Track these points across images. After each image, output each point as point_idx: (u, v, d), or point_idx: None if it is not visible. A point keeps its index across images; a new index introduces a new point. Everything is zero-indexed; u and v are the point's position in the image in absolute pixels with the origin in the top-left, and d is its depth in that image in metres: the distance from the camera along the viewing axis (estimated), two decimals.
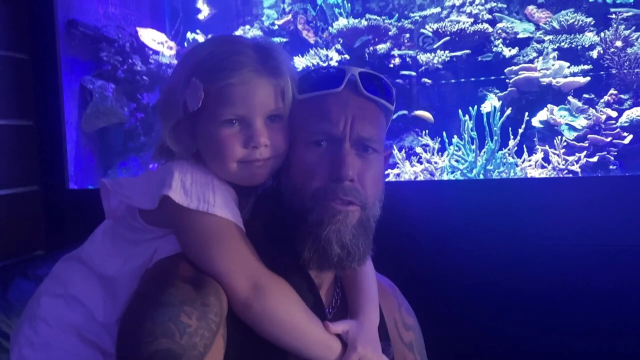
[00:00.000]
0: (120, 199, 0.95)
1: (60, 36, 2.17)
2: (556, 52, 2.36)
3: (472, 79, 2.51)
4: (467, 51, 2.51)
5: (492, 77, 2.47)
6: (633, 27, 2.28)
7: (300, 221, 0.89)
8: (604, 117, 2.08)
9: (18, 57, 2.10)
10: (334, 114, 0.90)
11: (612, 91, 2.17)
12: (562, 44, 2.40)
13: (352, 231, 0.89)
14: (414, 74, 2.53)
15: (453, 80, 2.55)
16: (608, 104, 2.16)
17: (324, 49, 2.70)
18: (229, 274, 0.84)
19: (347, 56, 2.62)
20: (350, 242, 0.88)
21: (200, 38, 2.79)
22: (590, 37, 2.39)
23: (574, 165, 2.00)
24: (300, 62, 2.61)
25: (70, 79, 2.26)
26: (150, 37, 2.55)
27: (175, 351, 0.75)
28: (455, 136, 2.14)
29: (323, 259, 0.88)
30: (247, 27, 2.94)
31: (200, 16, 2.97)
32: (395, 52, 2.57)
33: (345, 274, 1.02)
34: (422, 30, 2.62)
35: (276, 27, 2.88)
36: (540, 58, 2.33)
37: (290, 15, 2.85)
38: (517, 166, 2.04)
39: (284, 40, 2.79)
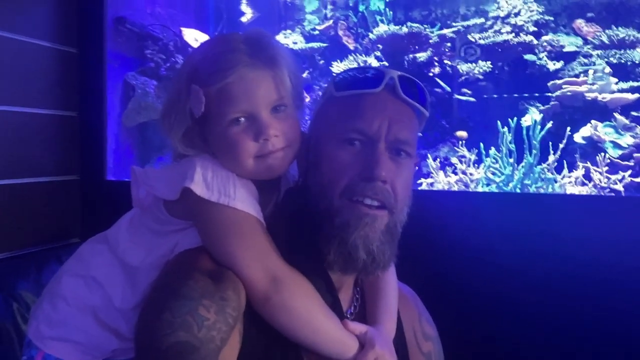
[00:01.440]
0: (146, 189, 0.96)
1: (108, 32, 2.24)
2: (605, 66, 2.27)
3: (515, 95, 2.45)
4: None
5: (537, 94, 2.40)
6: None
7: (326, 222, 0.87)
8: None
9: (66, 50, 2.18)
10: (370, 113, 0.88)
11: None
12: (611, 59, 2.32)
13: (380, 237, 0.87)
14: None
15: (495, 95, 2.49)
16: None
17: (363, 55, 2.69)
18: (247, 267, 0.83)
19: (386, 63, 2.61)
20: (377, 248, 0.86)
21: None
22: None
23: (617, 184, 1.92)
24: (339, 68, 2.61)
25: (115, 74, 2.33)
26: (193, 37, 2.60)
27: (192, 344, 0.76)
28: (492, 148, 2.08)
29: (348, 263, 0.87)
30: (289, 31, 2.97)
31: (244, 19, 3.02)
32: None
33: (367, 280, 1.01)
34: (472, 44, 2.57)
35: (317, 32, 2.89)
36: (591, 72, 2.25)
37: (331, 21, 2.86)
38: (556, 182, 1.97)
39: (324, 45, 2.81)
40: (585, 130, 2.10)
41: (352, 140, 0.88)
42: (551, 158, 1.99)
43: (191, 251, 0.89)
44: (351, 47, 2.79)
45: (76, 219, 2.25)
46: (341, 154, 0.88)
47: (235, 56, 0.88)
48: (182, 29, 2.62)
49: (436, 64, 2.57)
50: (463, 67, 2.53)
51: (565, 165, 1.99)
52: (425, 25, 2.63)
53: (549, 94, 2.29)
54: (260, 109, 0.88)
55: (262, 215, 0.90)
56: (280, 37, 2.92)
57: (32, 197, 2.05)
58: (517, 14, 2.59)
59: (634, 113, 2.14)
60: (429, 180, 2.16)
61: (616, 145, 2.01)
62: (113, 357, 0.99)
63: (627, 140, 2.01)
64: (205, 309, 0.78)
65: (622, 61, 2.30)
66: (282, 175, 0.99)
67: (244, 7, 3.02)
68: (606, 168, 1.94)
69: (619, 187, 1.90)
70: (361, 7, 2.83)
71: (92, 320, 0.96)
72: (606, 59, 2.34)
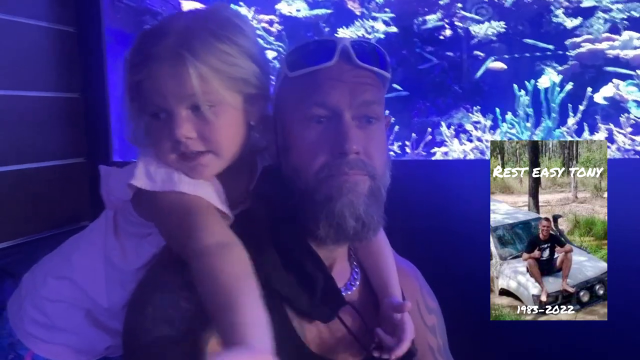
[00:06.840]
0: (105, 189, 0.91)
1: (104, 8, 2.17)
2: (626, 22, 2.16)
3: (537, 53, 2.34)
4: None
5: (556, 52, 2.29)
6: None
7: (308, 200, 0.84)
8: None
9: (64, 30, 2.11)
10: (330, 87, 0.85)
11: None
12: (633, 12, 2.20)
13: (365, 201, 0.84)
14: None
15: (506, 56, 2.39)
16: None
17: (370, 20, 2.59)
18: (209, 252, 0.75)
19: (394, 28, 2.51)
20: (365, 212, 0.84)
21: (243, 10, 2.74)
22: None
23: None
24: (345, 34, 2.52)
25: (115, 51, 2.26)
26: (193, 9, 2.52)
27: (175, 338, 0.75)
28: (509, 113, 2.01)
29: (339, 234, 0.84)
30: None
31: None
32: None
33: (361, 253, 1.00)
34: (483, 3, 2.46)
35: None
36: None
37: None
38: None
39: (329, 11, 2.70)
40: (607, 90, 2.01)
41: (317, 118, 0.85)
42: (571, 121, 1.91)
43: None
44: (357, 12, 2.68)
45: (85, 202, 2.23)
46: (308, 133, 0.85)
47: (152, 50, 0.80)
48: (181, 1, 2.54)
49: (447, 26, 2.46)
50: (475, 29, 2.42)
51: (586, 128, 1.91)
52: None
53: (568, 53, 2.19)
54: (173, 105, 0.80)
55: (217, 199, 0.82)
56: (282, 5, 2.82)
57: (40, 182, 2.02)
58: None
59: None
60: (444, 148, 2.10)
61: None
62: (108, 355, 0.97)
63: None
64: (187, 302, 0.76)
65: None
66: (258, 160, 0.94)
67: None
68: (630, 129, 1.86)
69: None
70: None
71: (83, 320, 0.93)
72: (627, 13, 2.22)
